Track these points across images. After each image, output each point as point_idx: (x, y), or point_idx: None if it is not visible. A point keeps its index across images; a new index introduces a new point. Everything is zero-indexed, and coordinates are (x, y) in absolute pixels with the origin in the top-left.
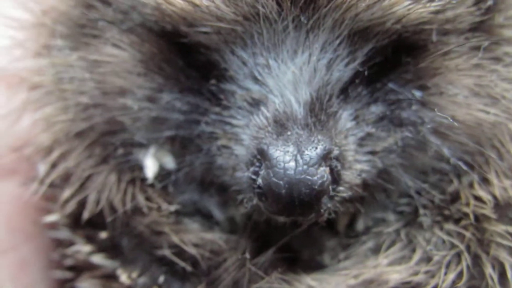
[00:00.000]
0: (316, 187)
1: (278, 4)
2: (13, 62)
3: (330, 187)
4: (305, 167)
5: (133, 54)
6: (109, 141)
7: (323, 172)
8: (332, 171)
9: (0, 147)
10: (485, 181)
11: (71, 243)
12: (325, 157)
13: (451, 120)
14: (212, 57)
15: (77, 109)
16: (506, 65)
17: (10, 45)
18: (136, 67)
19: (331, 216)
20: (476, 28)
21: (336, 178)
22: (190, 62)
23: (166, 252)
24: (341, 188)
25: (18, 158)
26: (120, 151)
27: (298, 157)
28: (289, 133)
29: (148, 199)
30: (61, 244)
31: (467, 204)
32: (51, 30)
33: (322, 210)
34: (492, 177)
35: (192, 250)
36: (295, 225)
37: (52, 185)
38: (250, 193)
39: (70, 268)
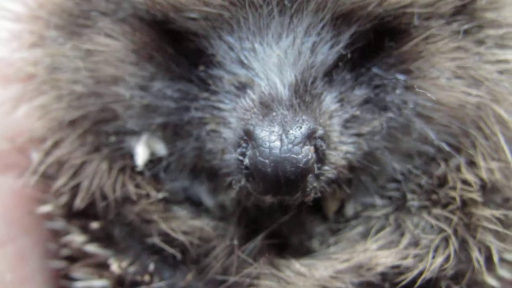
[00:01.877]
0: (301, 165)
1: None
2: (9, 53)
3: (315, 166)
4: (290, 146)
5: (125, 43)
6: (102, 129)
7: (308, 150)
8: (317, 150)
9: None
10: (472, 163)
11: (66, 233)
12: (310, 136)
13: (432, 103)
14: (200, 44)
15: (71, 97)
16: (489, 47)
17: (6, 37)
18: (128, 56)
19: (317, 195)
20: (458, 11)
21: (321, 157)
22: (180, 50)
23: (156, 240)
24: (326, 167)
25: (15, 150)
26: (113, 139)
27: (283, 136)
28: (274, 113)
29: (137, 186)
30: (57, 235)
31: (454, 188)
32: (46, 22)
33: (308, 189)
34: (478, 159)
35: (181, 238)
36: (284, 209)
37: (47, 176)
38: (238, 174)
39: (66, 258)
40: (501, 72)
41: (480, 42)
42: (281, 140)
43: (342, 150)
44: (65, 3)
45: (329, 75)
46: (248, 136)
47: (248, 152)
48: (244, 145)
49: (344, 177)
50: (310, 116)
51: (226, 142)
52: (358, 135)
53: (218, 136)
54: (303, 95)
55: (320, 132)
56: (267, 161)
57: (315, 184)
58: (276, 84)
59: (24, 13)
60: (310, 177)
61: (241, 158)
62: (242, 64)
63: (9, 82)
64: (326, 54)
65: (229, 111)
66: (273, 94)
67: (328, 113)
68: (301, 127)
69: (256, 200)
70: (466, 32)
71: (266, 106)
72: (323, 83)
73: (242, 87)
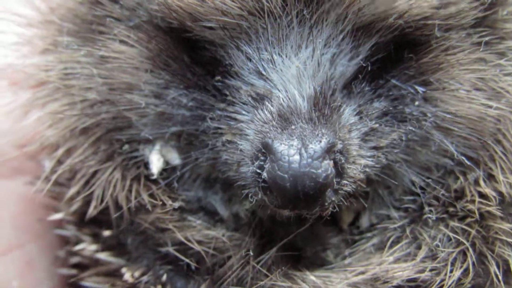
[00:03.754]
0: (320, 180)
1: None
2: (21, 58)
3: (334, 180)
4: (309, 160)
5: (140, 50)
6: (115, 137)
7: (327, 165)
8: (336, 164)
9: (6, 145)
10: (490, 177)
11: (77, 241)
12: (329, 151)
13: (452, 115)
14: (217, 53)
15: (84, 105)
16: (509, 59)
17: (18, 42)
18: (143, 64)
19: (335, 210)
20: (479, 23)
21: (340, 172)
22: (196, 59)
23: (170, 249)
24: (345, 181)
25: (25, 156)
26: (126, 147)
27: (303, 151)
28: (293, 127)
29: (151, 196)
30: (67, 242)
31: (472, 201)
32: (58, 27)
33: (326, 204)
34: (497, 172)
35: (196, 247)
36: (299, 221)
37: (58, 184)
38: (255, 188)
39: (75, 266)
40: None
41: (501, 54)
42: (300, 154)
43: (361, 163)
44: (78, 8)
45: (348, 87)
46: (267, 150)
47: (267, 166)
48: (262, 158)
49: (361, 190)
50: (330, 129)
51: (242, 154)
52: (377, 148)
53: (235, 148)
54: (322, 108)
55: (339, 146)
56: (286, 175)
57: (333, 199)
58: (295, 96)
59: (35, 18)
60: (328, 192)
61: (259, 171)
62: (260, 75)
63: (21, 88)
64: (346, 66)
65: (246, 122)
66: (292, 107)
67: (347, 127)
68: (320, 141)
69: (273, 212)
70: (487, 44)
71: (285, 119)
72: (342, 95)
73: (260, 99)
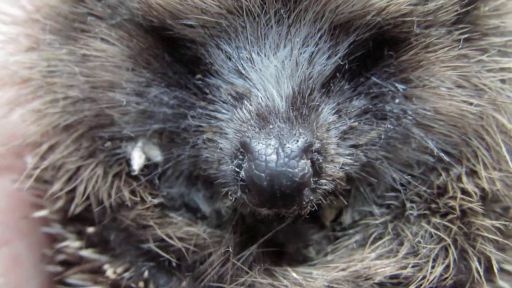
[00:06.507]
0: (297, 179)
1: None
2: (5, 56)
3: (312, 180)
4: (286, 159)
5: (122, 49)
6: (97, 135)
7: (304, 164)
8: (313, 164)
9: None
10: (473, 173)
11: (62, 239)
12: (306, 150)
13: (432, 112)
14: (197, 52)
15: (66, 102)
16: (491, 55)
17: (3, 40)
18: (125, 62)
19: (313, 208)
20: (460, 19)
21: (317, 171)
22: (177, 57)
23: (152, 246)
24: (323, 181)
25: (12, 154)
26: (108, 144)
27: (280, 150)
28: (271, 126)
29: (132, 192)
30: (54, 239)
31: (454, 198)
32: (42, 25)
33: (304, 203)
34: (480, 169)
35: (177, 244)
36: (280, 218)
37: (44, 181)
38: (234, 186)
39: (62, 263)
40: (503, 81)
41: (483, 50)
42: (277, 153)
43: (339, 162)
44: (61, 7)
45: (327, 86)
46: (245, 149)
47: (244, 165)
48: (240, 157)
49: (341, 188)
50: (307, 129)
51: (222, 152)
52: (356, 146)
53: (215, 146)
54: (300, 107)
55: (317, 145)
56: (263, 174)
57: (311, 198)
58: (273, 96)
59: (20, 16)
60: (306, 191)
61: (237, 170)
62: (239, 74)
63: (4, 86)
64: (324, 65)
65: (226, 121)
66: (270, 106)
67: (325, 126)
68: (297, 141)
69: (253, 210)
70: (468, 40)
71: (263, 118)
72: (321, 95)
73: (239, 98)
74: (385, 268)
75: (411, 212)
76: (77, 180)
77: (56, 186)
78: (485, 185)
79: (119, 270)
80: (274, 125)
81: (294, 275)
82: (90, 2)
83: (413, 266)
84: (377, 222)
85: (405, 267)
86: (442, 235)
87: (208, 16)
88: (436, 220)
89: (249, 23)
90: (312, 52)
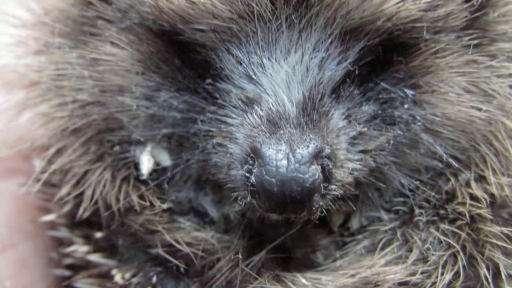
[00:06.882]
0: (307, 185)
1: (272, 3)
2: (14, 59)
3: (322, 185)
4: (296, 165)
5: (132, 53)
6: (105, 138)
7: (315, 170)
8: (323, 169)
9: None
10: (482, 178)
11: (69, 243)
12: (317, 156)
13: (441, 118)
14: (208, 56)
15: (75, 106)
16: (500, 61)
17: (12, 43)
18: (134, 66)
19: (323, 214)
20: (469, 25)
21: (327, 177)
22: (187, 62)
23: (160, 251)
24: (332, 186)
25: (19, 156)
26: (117, 148)
27: (290, 156)
28: (281, 132)
29: (141, 197)
30: (61, 243)
31: (463, 204)
32: (51, 29)
33: (314, 208)
34: (489, 174)
35: (185, 249)
36: (289, 223)
37: (51, 185)
38: (244, 191)
39: (69, 267)
40: None
41: (492, 56)
42: (288, 159)
43: (349, 167)
44: (70, 10)
45: (337, 91)
46: (255, 154)
47: (255, 170)
48: (251, 162)
49: (350, 193)
50: (318, 134)
51: (232, 157)
52: (365, 151)
53: (225, 151)
54: (311, 113)
55: (327, 151)
56: (273, 180)
57: (321, 203)
58: (284, 102)
59: (29, 19)
60: (316, 197)
61: (247, 175)
62: (250, 79)
63: (13, 88)
64: (334, 70)
65: (236, 126)
66: (280, 112)
67: (335, 131)
68: (308, 146)
69: (262, 215)
70: (478, 46)
71: (274, 124)
72: (331, 100)
73: (250, 103)
74: (394, 275)
75: (419, 218)
76: (85, 184)
77: (64, 190)
78: (494, 191)
79: (127, 275)
80: (284, 130)
81: (303, 281)
82: (100, 5)
83: (422, 273)
84: (386, 228)
85: (414, 274)
86: (451, 241)
87: (219, 21)
88: (445, 226)
89: (260, 28)
90: (323, 58)
